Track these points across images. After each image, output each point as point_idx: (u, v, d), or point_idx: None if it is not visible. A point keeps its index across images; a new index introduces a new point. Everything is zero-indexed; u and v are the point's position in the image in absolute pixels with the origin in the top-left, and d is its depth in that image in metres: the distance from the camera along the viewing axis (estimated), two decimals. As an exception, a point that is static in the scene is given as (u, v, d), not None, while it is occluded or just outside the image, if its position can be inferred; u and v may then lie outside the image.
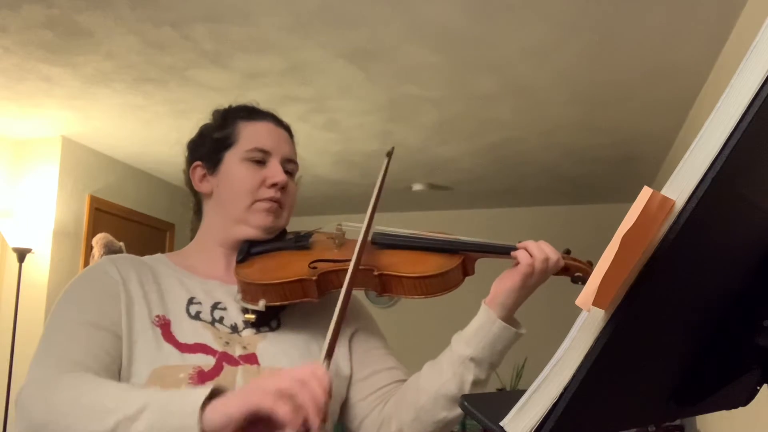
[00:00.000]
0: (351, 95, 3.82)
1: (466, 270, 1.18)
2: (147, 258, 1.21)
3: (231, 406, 0.82)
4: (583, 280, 1.16)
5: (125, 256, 1.18)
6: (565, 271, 1.17)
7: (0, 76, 3.57)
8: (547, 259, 1.10)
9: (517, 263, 1.11)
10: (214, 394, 0.84)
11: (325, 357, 0.95)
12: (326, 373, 0.86)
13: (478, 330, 1.11)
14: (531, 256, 1.10)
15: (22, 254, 4.23)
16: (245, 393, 0.83)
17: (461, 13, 2.90)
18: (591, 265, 1.19)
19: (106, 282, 1.10)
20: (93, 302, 1.07)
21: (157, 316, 1.09)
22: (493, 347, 1.10)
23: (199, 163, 1.24)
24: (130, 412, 0.86)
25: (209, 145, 1.23)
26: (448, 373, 1.11)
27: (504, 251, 1.15)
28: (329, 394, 0.84)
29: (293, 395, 0.81)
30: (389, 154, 1.28)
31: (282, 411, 0.80)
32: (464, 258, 1.16)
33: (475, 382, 1.10)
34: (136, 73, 3.55)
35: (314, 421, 0.80)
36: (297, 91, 3.76)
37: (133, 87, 3.73)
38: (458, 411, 1.11)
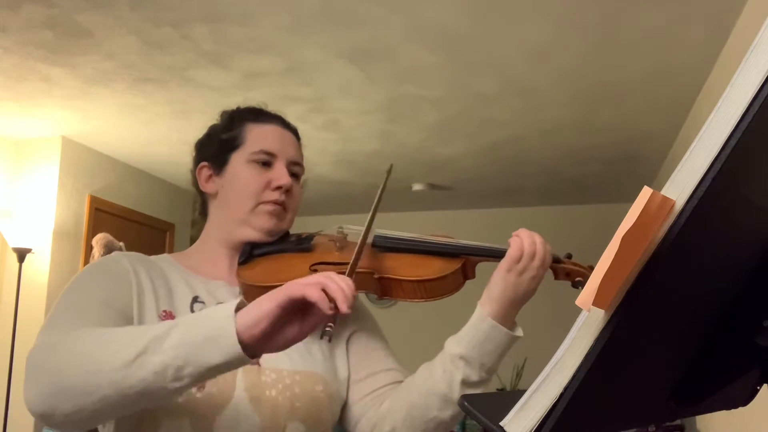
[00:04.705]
0: (351, 95, 3.82)
1: (467, 274, 1.17)
2: (152, 257, 1.21)
3: (262, 303, 0.87)
4: (584, 285, 1.15)
5: (133, 253, 1.18)
6: (566, 275, 1.16)
7: (0, 76, 3.57)
8: (534, 243, 1.10)
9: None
10: (239, 307, 0.88)
11: (348, 275, 1.00)
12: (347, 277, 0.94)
13: (469, 328, 1.10)
14: (520, 239, 1.10)
15: (22, 254, 4.23)
16: (275, 291, 0.88)
17: (461, 13, 2.90)
18: (592, 270, 1.18)
19: (118, 270, 1.10)
20: (105, 285, 1.07)
21: (164, 311, 1.09)
22: (483, 346, 1.08)
23: (205, 163, 1.24)
24: (160, 332, 0.87)
25: (216, 146, 1.24)
26: (438, 371, 1.11)
27: (503, 255, 1.14)
28: (356, 289, 0.90)
29: (321, 286, 0.87)
30: (389, 172, 1.31)
31: (311, 292, 0.86)
32: (465, 262, 1.16)
33: (465, 382, 1.09)
34: (136, 73, 3.55)
35: (342, 305, 0.86)
36: (297, 91, 3.75)
37: (133, 87, 3.72)
38: (450, 412, 1.10)
